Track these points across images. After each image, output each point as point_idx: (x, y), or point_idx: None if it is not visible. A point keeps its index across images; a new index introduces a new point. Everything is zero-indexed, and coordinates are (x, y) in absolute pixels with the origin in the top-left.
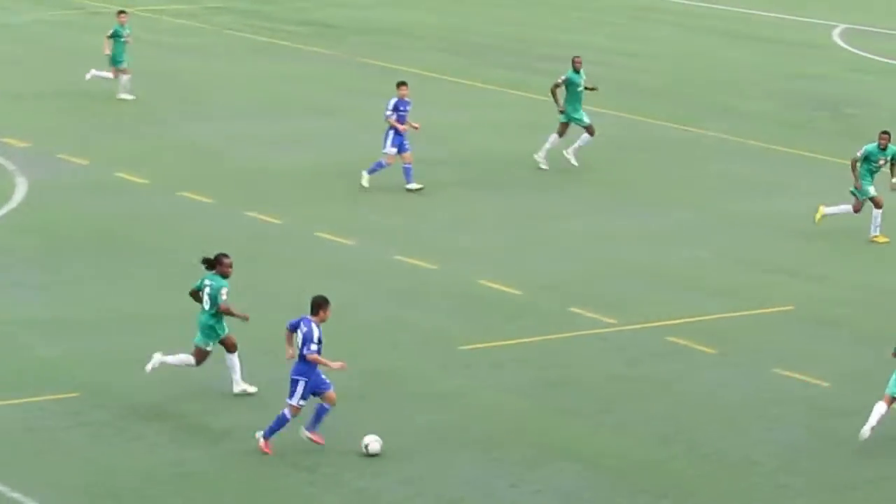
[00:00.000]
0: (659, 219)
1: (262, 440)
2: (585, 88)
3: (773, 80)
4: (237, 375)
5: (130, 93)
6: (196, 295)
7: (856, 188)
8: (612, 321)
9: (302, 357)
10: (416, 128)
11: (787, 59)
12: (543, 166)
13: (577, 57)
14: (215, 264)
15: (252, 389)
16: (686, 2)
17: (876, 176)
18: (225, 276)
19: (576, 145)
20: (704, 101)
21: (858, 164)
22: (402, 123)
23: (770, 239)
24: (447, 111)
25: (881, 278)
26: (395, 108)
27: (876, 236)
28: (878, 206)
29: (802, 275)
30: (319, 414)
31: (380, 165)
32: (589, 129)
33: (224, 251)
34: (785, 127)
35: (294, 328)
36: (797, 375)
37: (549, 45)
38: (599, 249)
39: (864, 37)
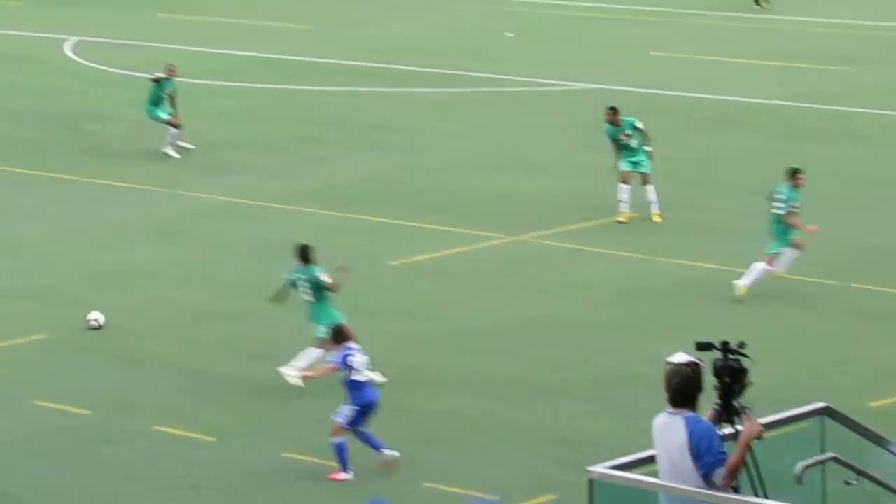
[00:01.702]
0: None
1: None
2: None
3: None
4: None
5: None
6: None
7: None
8: None
9: None
10: None
11: (14, 76)
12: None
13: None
14: None
15: None
16: None
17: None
18: None
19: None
20: None
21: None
22: None
23: (9, 265)
24: None
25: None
26: None
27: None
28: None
29: (53, 301)
30: None
31: None
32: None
33: None
34: (22, 147)
35: None
36: (56, 405)
37: None
38: None
39: (96, 49)
